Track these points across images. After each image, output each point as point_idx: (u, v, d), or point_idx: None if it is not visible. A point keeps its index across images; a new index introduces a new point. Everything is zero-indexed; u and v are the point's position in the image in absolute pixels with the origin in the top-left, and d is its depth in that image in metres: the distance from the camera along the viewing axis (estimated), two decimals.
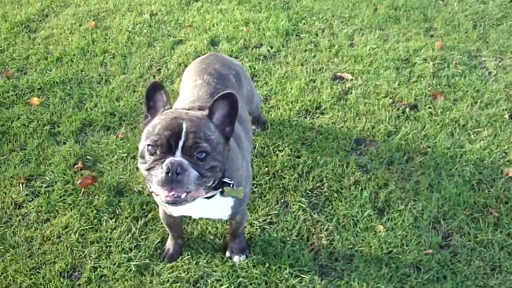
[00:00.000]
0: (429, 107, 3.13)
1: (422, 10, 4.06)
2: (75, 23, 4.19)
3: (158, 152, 1.68)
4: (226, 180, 1.88)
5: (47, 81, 3.57)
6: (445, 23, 3.89)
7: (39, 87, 3.53)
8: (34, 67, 3.74)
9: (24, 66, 3.77)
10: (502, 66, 3.44)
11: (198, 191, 1.74)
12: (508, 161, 2.78)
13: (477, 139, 2.92)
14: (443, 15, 3.98)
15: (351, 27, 3.92)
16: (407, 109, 3.13)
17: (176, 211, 2.08)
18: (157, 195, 1.72)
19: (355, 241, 2.45)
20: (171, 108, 1.84)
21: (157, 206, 2.57)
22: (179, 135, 1.66)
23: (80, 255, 2.49)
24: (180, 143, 1.65)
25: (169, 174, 1.62)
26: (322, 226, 2.53)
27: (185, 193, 1.69)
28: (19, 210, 2.73)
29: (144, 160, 1.72)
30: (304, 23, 4.01)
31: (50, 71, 3.68)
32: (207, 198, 1.88)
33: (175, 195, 1.68)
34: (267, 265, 2.38)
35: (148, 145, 1.69)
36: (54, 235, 2.58)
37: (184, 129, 1.65)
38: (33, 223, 2.65)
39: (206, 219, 2.58)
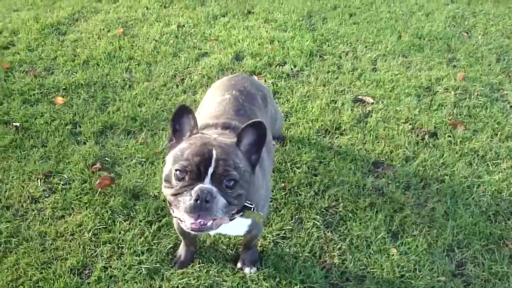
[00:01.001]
0: (449, 136, 3.13)
1: (446, 41, 4.09)
2: (103, 29, 4.29)
3: (187, 178, 1.65)
4: (247, 203, 1.86)
5: (72, 82, 3.65)
6: (469, 54, 3.92)
7: (64, 87, 3.60)
8: (61, 68, 3.82)
9: (51, 66, 3.86)
10: None
11: (223, 219, 1.73)
12: None
13: (496, 170, 2.90)
14: (466, 47, 4.01)
15: (374, 52, 3.96)
16: (426, 136, 3.13)
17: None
18: (181, 221, 1.70)
19: (367, 262, 2.43)
20: (199, 133, 1.82)
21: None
22: (209, 162, 1.63)
23: (92, 254, 2.50)
24: (210, 170, 1.63)
25: (198, 201, 1.61)
26: (335, 245, 2.51)
27: (211, 221, 1.68)
28: (35, 204, 2.76)
29: (170, 185, 1.70)
30: (328, 45, 4.06)
31: (76, 73, 3.76)
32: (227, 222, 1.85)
33: (202, 223, 1.66)
34: (277, 279, 2.36)
35: (177, 170, 1.66)
36: (67, 232, 2.59)
37: (214, 156, 1.64)
38: (48, 219, 2.67)
39: (223, 235, 2.58)
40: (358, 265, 2.42)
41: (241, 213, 1.87)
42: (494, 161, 2.97)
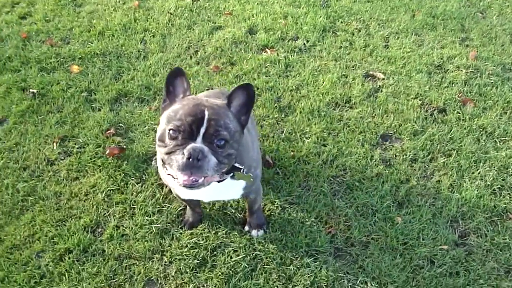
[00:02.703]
0: (458, 112, 3.15)
1: (460, 21, 4.07)
2: (119, 1, 4.34)
3: (179, 137, 1.71)
4: (237, 165, 1.93)
5: (88, 52, 3.71)
6: (482, 34, 3.90)
7: (80, 56, 3.67)
8: (77, 38, 3.88)
9: (67, 36, 3.93)
10: None
11: (214, 176, 1.80)
12: None
13: (503, 147, 2.92)
14: (480, 27, 3.99)
15: (387, 29, 3.96)
16: (435, 112, 3.15)
17: (185, 195, 2.12)
18: (174, 178, 1.77)
19: (372, 230, 2.49)
20: (191, 95, 1.88)
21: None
22: (201, 122, 1.70)
23: (105, 213, 2.59)
24: (202, 130, 1.70)
25: (190, 159, 1.67)
26: (341, 212, 2.57)
27: (203, 178, 1.75)
28: (51, 166, 2.85)
29: (163, 144, 1.76)
30: (341, 22, 4.07)
31: (92, 43, 3.82)
32: (218, 182, 1.92)
33: (193, 179, 1.73)
34: (284, 242, 2.44)
35: (170, 129, 1.72)
36: (81, 193, 2.69)
37: (206, 116, 1.70)
38: (63, 180, 2.77)
39: (219, 201, 2.66)
40: (363, 232, 2.48)
41: (231, 174, 1.95)
42: (502, 138, 2.98)
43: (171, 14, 4.16)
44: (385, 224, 2.51)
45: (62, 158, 2.90)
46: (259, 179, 2.27)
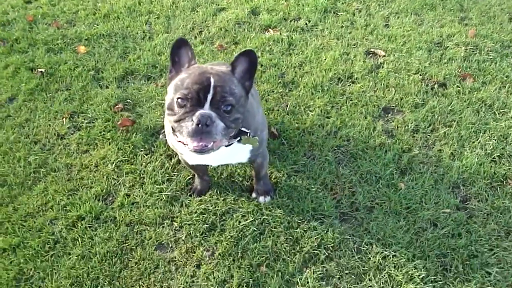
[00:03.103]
0: (458, 87, 3.22)
1: (459, 1, 4.14)
2: None
3: (188, 105, 1.79)
4: (243, 129, 2.01)
5: (94, 33, 3.78)
6: (481, 14, 3.97)
7: (86, 37, 3.74)
8: (83, 20, 3.95)
9: (73, 19, 3.99)
10: None
11: (222, 141, 1.88)
12: None
13: (503, 118, 2.99)
14: (479, 7, 4.06)
15: (387, 9, 4.03)
16: (436, 86, 3.22)
17: (194, 160, 2.19)
18: (185, 144, 1.85)
19: (376, 195, 2.56)
20: (196, 64, 1.95)
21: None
22: (207, 89, 1.77)
23: (115, 183, 2.65)
24: (209, 97, 1.77)
25: (199, 125, 1.75)
26: (346, 179, 2.64)
27: (212, 143, 1.82)
28: (61, 140, 2.92)
29: (173, 112, 1.84)
30: (342, 3, 4.13)
31: (97, 25, 3.89)
32: (226, 146, 1.99)
33: (203, 145, 1.81)
34: (290, 207, 2.51)
35: (178, 98, 1.79)
36: (92, 164, 2.75)
37: (212, 83, 1.77)
38: (73, 153, 2.83)
39: (228, 165, 2.73)
40: (367, 197, 2.55)
41: (239, 138, 2.02)
42: (501, 110, 3.05)
43: None
44: (389, 190, 2.58)
45: (72, 132, 2.97)
46: (265, 142, 2.34)
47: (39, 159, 2.79)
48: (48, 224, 2.46)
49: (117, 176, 2.69)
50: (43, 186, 2.64)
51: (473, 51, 3.54)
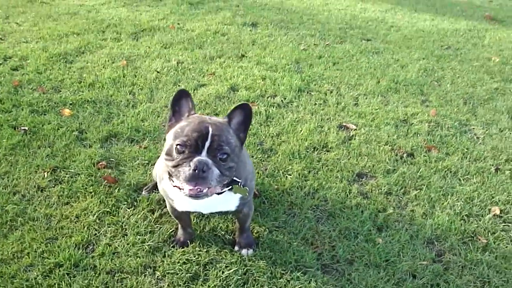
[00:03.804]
0: (424, 156, 3.47)
1: (419, 87, 4.58)
2: (108, 60, 4.64)
3: (186, 151, 1.92)
4: (235, 178, 2.13)
5: (79, 98, 3.91)
6: (439, 97, 4.39)
7: (71, 102, 3.85)
8: (68, 87, 4.09)
9: (58, 86, 4.13)
10: (488, 134, 3.85)
11: (216, 188, 2.00)
12: (495, 202, 3.06)
13: (467, 184, 3.22)
14: (437, 92, 4.50)
15: (356, 91, 4.40)
16: (405, 155, 3.46)
17: (186, 206, 2.26)
18: (180, 189, 1.96)
19: (355, 249, 2.63)
20: (196, 114, 2.11)
21: (164, 201, 2.77)
22: (206, 137, 1.92)
23: (96, 233, 2.62)
24: (207, 144, 1.92)
25: (196, 171, 1.87)
26: (325, 234, 2.71)
27: (207, 188, 1.94)
28: (42, 192, 2.90)
29: (171, 158, 1.96)
30: (314, 84, 4.49)
31: (83, 92, 4.03)
32: (217, 194, 2.10)
33: (198, 189, 1.93)
34: (273, 258, 2.53)
35: (177, 144, 1.93)
36: (73, 215, 2.73)
37: (211, 132, 1.92)
38: (54, 204, 2.81)
39: (216, 213, 2.76)
40: (347, 251, 2.61)
41: (231, 186, 2.12)
42: (465, 177, 3.29)
43: (158, 72, 4.48)
44: (367, 244, 2.66)
45: (53, 185, 2.96)
46: (253, 192, 2.43)
47: (17, 208, 2.74)
48: (23, 271, 2.36)
49: (99, 227, 2.66)
50: (19, 234, 2.57)
51: (435, 127, 3.87)
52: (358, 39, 5.84)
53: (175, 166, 1.94)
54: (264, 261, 2.50)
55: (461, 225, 2.84)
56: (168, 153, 1.99)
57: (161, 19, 5.95)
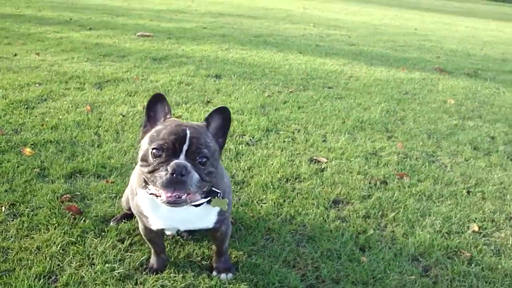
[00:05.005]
0: (397, 183, 3.47)
1: (384, 125, 4.70)
2: (71, 106, 4.52)
3: (163, 155, 1.80)
4: (214, 189, 2.01)
5: (41, 139, 3.73)
6: (404, 133, 4.50)
7: (32, 143, 3.66)
8: (29, 130, 3.91)
9: (19, 128, 3.94)
10: (455, 162, 3.94)
11: (195, 195, 1.87)
12: (472, 219, 3.06)
13: (442, 205, 3.21)
14: (401, 129, 4.62)
15: (323, 130, 4.45)
16: (378, 183, 3.45)
17: (160, 224, 2.12)
18: (157, 196, 1.83)
19: (340, 268, 2.51)
20: (171, 117, 2.01)
21: (137, 222, 2.59)
22: (183, 140, 1.81)
23: (59, 264, 2.38)
24: (185, 147, 1.81)
25: (174, 175, 1.76)
26: (307, 256, 2.59)
27: (186, 195, 1.82)
28: None
29: (147, 163, 1.84)
30: (282, 125, 4.51)
31: (45, 134, 3.86)
32: (195, 206, 1.98)
33: (177, 195, 1.80)
34: (255, 280, 2.36)
35: (153, 148, 1.82)
36: (33, 247, 2.49)
37: (188, 135, 1.82)
38: (12, 237, 2.56)
39: (192, 231, 2.64)
40: (332, 271, 2.49)
41: (209, 197, 2.00)
42: (439, 199, 3.29)
43: (123, 116, 4.39)
44: (352, 263, 2.55)
45: (11, 219, 2.71)
46: (231, 207, 2.31)
47: None
48: None
49: (62, 257, 2.42)
50: None
51: (404, 158, 3.92)
52: (320, 86, 6.03)
53: (151, 172, 1.81)
54: (246, 284, 2.33)
55: (443, 241, 2.80)
56: (144, 159, 1.86)
57: (125, 71, 5.95)
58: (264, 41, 9.27)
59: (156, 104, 1.99)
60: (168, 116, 1.99)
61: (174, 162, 1.77)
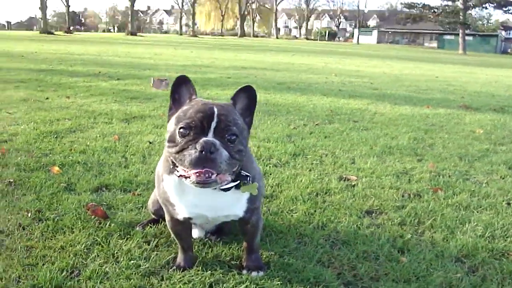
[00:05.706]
0: (432, 196, 3.32)
1: (413, 150, 4.58)
2: (99, 136, 4.58)
3: (191, 133, 1.76)
4: (243, 173, 1.95)
5: (69, 161, 3.74)
6: (434, 157, 4.36)
7: (60, 163, 3.68)
8: (58, 153, 3.94)
9: (48, 153, 3.98)
10: (491, 179, 3.76)
11: (225, 176, 1.80)
12: None
13: (483, 213, 3.04)
14: (431, 153, 4.49)
15: (351, 154, 4.36)
16: (412, 195, 3.31)
17: (187, 212, 2.04)
18: (186, 177, 1.76)
19: (378, 268, 2.34)
20: (197, 98, 1.96)
21: (164, 226, 2.49)
22: (211, 118, 1.76)
23: (83, 261, 2.29)
24: (213, 125, 1.76)
25: (203, 152, 1.70)
26: (343, 258, 2.43)
27: (215, 175, 1.76)
28: (23, 230, 2.59)
29: (174, 144, 1.79)
30: (309, 150, 4.44)
31: (73, 157, 3.88)
32: (224, 190, 1.91)
33: (206, 175, 1.73)
34: (288, 277, 2.22)
35: (181, 128, 1.77)
36: (57, 246, 2.42)
37: (216, 112, 1.78)
38: (36, 237, 2.50)
39: (220, 235, 2.56)
40: (370, 270, 2.32)
41: (237, 181, 1.93)
42: (478, 209, 3.11)
43: (150, 143, 4.41)
44: (391, 263, 2.38)
45: (36, 223, 2.66)
46: (262, 196, 2.22)
47: None
48: None
49: (86, 255, 2.33)
50: None
51: (436, 176, 3.78)
52: (346, 120, 5.99)
53: (179, 152, 1.76)
54: (279, 280, 2.19)
55: (487, 244, 2.61)
56: (171, 140, 1.81)
57: (151, 110, 6.06)
58: (287, 87, 9.42)
59: (181, 87, 1.95)
60: (193, 97, 1.95)
61: (203, 139, 1.72)
